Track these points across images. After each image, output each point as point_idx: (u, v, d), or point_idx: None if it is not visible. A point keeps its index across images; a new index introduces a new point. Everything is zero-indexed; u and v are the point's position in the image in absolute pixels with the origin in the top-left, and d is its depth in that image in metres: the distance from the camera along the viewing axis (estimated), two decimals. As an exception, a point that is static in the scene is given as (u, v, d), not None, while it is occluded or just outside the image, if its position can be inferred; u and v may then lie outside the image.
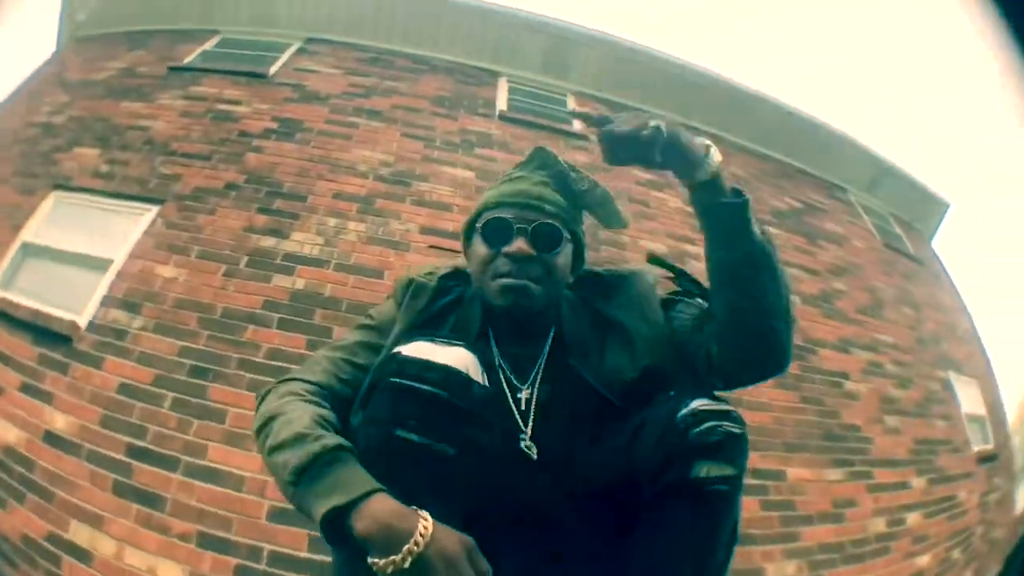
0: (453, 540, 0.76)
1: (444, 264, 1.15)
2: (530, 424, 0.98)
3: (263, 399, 0.98)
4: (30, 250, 3.63)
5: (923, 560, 3.60)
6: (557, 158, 1.07)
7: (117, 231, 3.43)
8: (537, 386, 1.01)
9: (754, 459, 2.98)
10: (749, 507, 3.04)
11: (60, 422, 2.80)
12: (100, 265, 3.30)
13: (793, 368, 3.71)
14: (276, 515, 2.49)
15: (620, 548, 0.91)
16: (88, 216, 3.63)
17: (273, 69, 4.52)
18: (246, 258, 3.12)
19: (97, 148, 3.94)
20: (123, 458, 2.66)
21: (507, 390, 1.00)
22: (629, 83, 5.24)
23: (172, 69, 4.49)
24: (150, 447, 2.67)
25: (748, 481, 2.91)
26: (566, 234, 1.02)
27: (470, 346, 0.92)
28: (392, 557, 0.74)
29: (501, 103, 4.81)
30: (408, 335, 0.98)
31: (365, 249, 3.26)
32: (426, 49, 4.97)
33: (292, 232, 3.28)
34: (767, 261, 0.91)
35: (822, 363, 4.01)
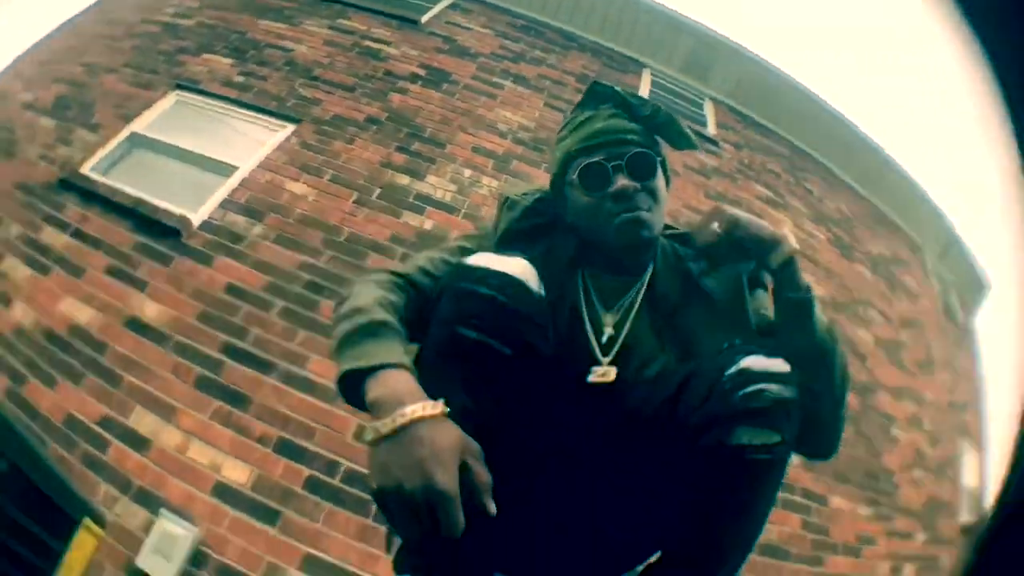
0: (451, 433, 0.82)
1: (536, 190, 1.25)
2: (614, 350, 1.10)
3: (351, 284, 1.12)
4: (140, 141, 4.05)
5: None
6: (615, 88, 1.17)
7: (245, 141, 3.86)
8: (622, 315, 1.14)
9: (807, 479, 3.37)
10: (791, 523, 3.41)
11: (151, 311, 3.12)
12: (222, 170, 3.70)
13: (856, 403, 4.26)
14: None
15: (652, 496, 1.00)
16: (213, 121, 4.06)
17: (425, 17, 5.04)
18: (379, 190, 3.53)
19: (231, 58, 4.41)
20: (215, 354, 2.97)
21: (585, 315, 1.13)
22: (762, 102, 5.93)
23: (322, -1, 4.99)
24: (248, 348, 2.99)
25: (796, 499, 3.26)
26: (656, 157, 1.14)
27: (531, 258, 1.04)
28: (377, 423, 0.82)
29: (643, 93, 5.31)
30: (490, 245, 1.14)
31: (494, 204, 3.63)
32: (576, 27, 5.58)
33: (428, 175, 3.71)
34: (825, 359, 1.01)
35: (879, 405, 4.49)
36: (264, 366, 2.96)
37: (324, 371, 2.93)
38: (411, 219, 3.48)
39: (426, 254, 1.17)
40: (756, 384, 0.92)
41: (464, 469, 0.81)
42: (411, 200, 3.58)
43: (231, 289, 3.18)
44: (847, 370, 1.05)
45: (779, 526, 3.35)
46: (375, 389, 0.86)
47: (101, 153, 3.99)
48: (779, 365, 0.95)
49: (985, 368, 6.87)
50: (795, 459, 3.58)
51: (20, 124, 4.44)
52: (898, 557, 4.07)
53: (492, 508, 0.82)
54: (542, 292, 1.03)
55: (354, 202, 3.52)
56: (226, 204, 3.52)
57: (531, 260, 1.05)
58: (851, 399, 4.22)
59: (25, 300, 3.24)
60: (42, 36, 5.42)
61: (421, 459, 0.78)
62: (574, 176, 1.13)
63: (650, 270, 1.17)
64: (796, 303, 1.01)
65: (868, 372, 4.52)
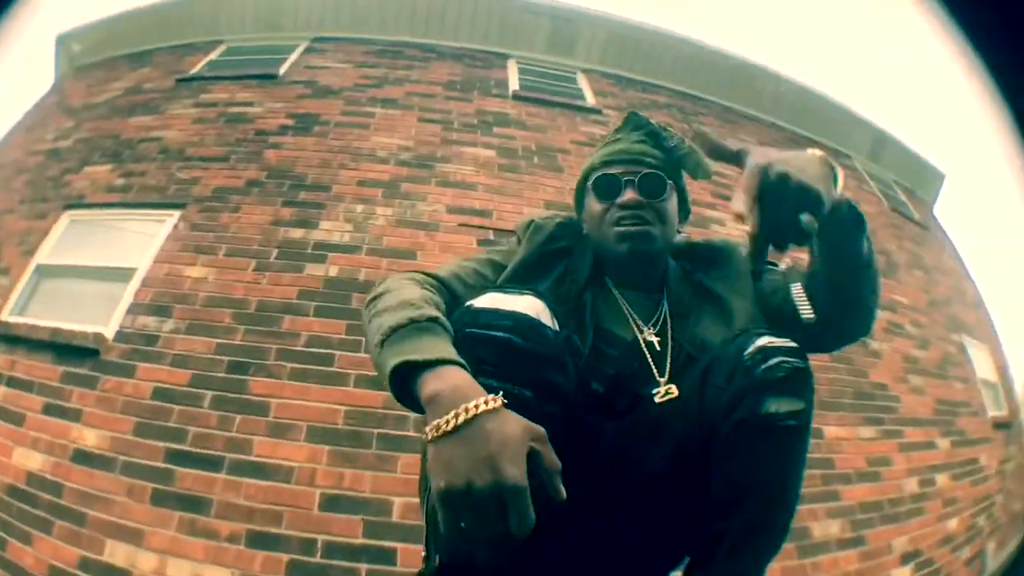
0: (517, 424, 0.79)
1: (561, 215, 1.32)
2: (667, 368, 1.14)
3: (383, 281, 1.11)
4: (45, 271, 4.03)
5: (952, 524, 3.92)
6: (648, 120, 1.29)
7: (138, 240, 3.81)
8: (660, 327, 1.19)
9: None
10: None
11: (91, 438, 3.07)
12: (123, 275, 3.67)
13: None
14: (329, 503, 2.72)
15: (691, 484, 1.03)
16: (105, 231, 4.03)
17: (283, 69, 5.04)
18: (276, 251, 3.48)
19: (109, 164, 4.39)
20: (162, 465, 2.91)
21: (636, 330, 1.18)
22: (634, 59, 5.97)
23: (180, 81, 5.00)
24: (191, 449, 2.93)
25: None
26: (669, 182, 1.23)
27: (539, 294, 1.02)
28: (438, 420, 0.78)
29: (513, 83, 5.37)
30: (508, 279, 1.18)
31: (395, 232, 3.64)
32: (432, 37, 5.63)
33: (320, 221, 3.67)
34: (872, 259, 1.06)
35: None
36: (211, 463, 2.91)
37: (271, 451, 2.91)
38: (315, 270, 3.43)
39: (457, 261, 1.22)
40: (776, 357, 1.00)
41: (532, 456, 0.78)
42: (310, 251, 3.54)
43: (157, 393, 3.14)
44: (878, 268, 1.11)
45: (777, 473, 3.32)
46: (433, 383, 0.83)
47: (15, 295, 3.97)
48: (788, 341, 1.03)
49: (966, 255, 7.11)
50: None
51: (-65, 288, 4.42)
52: (923, 470, 4.00)
53: (563, 493, 0.78)
54: (556, 327, 1.02)
55: (254, 270, 3.48)
56: (133, 309, 3.48)
57: (543, 291, 1.07)
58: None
59: (-18, 460, 3.18)
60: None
61: (490, 454, 0.75)
62: (590, 184, 1.27)
63: (666, 290, 1.25)
64: (852, 220, 1.01)
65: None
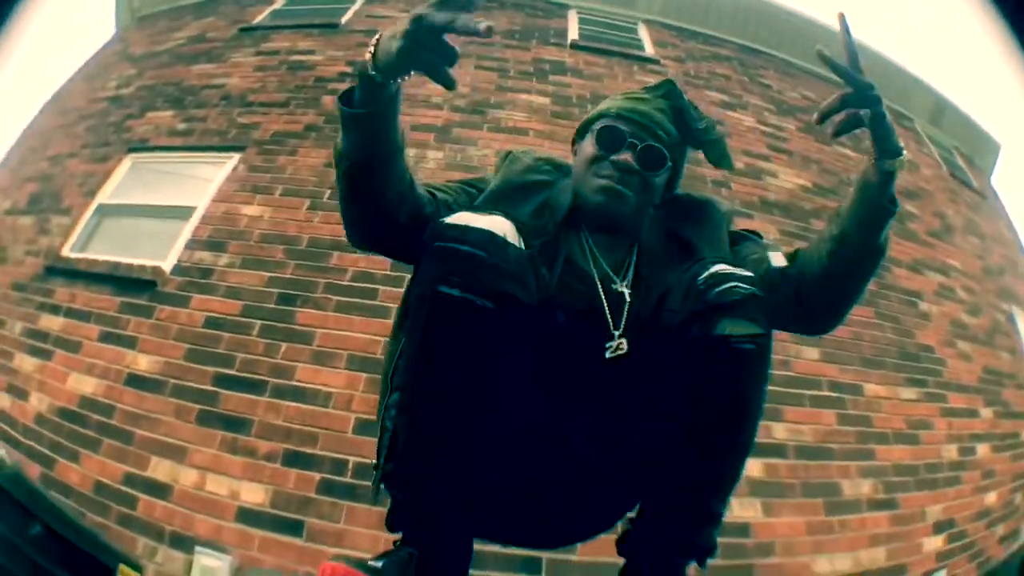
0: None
1: (541, 152, 1.34)
2: (623, 321, 1.14)
3: None
4: (107, 210, 4.21)
5: (990, 498, 3.82)
6: (682, 94, 1.27)
7: (198, 181, 3.97)
8: (624, 270, 1.20)
9: (833, 372, 3.27)
10: (826, 419, 3.33)
11: (143, 363, 3.24)
12: (183, 213, 3.83)
13: (872, 284, 4.05)
14: (362, 427, 2.83)
15: (643, 428, 1.08)
16: (167, 172, 4.20)
17: (344, 18, 5.13)
18: (328, 191, 3.56)
19: (171, 110, 4.56)
20: (209, 387, 3.07)
21: (596, 278, 1.18)
22: (695, 11, 5.93)
23: (243, 30, 5.15)
24: (237, 374, 3.08)
25: (823, 394, 3.06)
26: (669, 161, 1.21)
27: (509, 216, 1.08)
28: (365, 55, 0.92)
29: (573, 33, 5.39)
30: (480, 204, 1.19)
31: (445, 175, 3.60)
32: None
33: (373, 163, 3.73)
34: (875, 261, 1.11)
35: (897, 281, 4.35)
36: (255, 387, 3.04)
37: (311, 377, 3.03)
38: (365, 208, 3.48)
39: (442, 182, 1.26)
40: (728, 282, 1.02)
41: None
42: (362, 192, 3.59)
43: (210, 322, 3.28)
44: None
45: (811, 425, 3.28)
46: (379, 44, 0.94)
47: (76, 233, 4.14)
48: (744, 271, 1.06)
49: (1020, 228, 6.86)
50: (814, 353, 3.41)
51: (4, 230, 4.64)
52: (964, 438, 3.91)
53: (484, 25, 0.85)
54: (522, 247, 1.07)
55: (308, 208, 3.60)
56: (191, 244, 3.63)
57: (515, 215, 1.11)
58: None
59: (38, 388, 3.40)
60: (10, 146, 5.69)
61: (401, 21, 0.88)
62: (597, 126, 1.23)
63: (636, 247, 1.25)
64: (887, 212, 1.06)
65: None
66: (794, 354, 3.42)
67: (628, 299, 1.15)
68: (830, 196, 4.48)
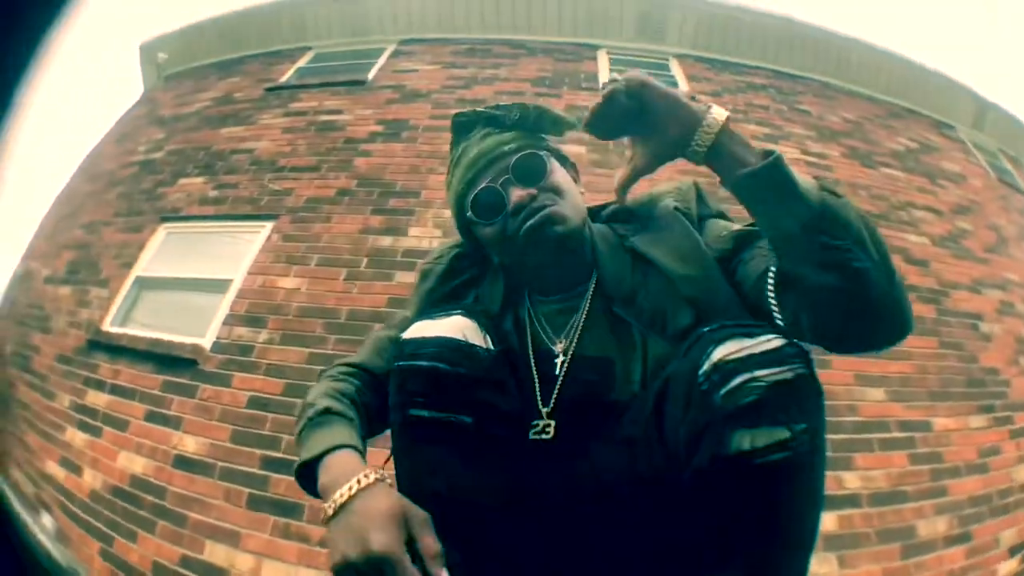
0: (385, 498, 0.80)
1: (457, 244, 1.19)
2: (553, 396, 1.01)
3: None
4: (145, 283, 4.23)
5: None
6: (473, 110, 1.13)
7: (233, 252, 3.96)
8: (576, 339, 1.04)
9: (899, 410, 3.07)
10: (897, 462, 3.19)
11: (190, 444, 3.22)
12: (219, 287, 3.81)
13: (930, 312, 4.05)
14: None
15: (661, 532, 0.87)
16: (201, 242, 4.20)
17: (371, 75, 5.15)
18: (366, 259, 3.54)
19: (202, 176, 4.58)
20: (257, 471, 3.03)
21: (531, 352, 1.06)
22: (726, 41, 5.80)
23: (269, 90, 5.18)
24: (284, 456, 3.03)
25: (892, 436, 2.94)
26: (541, 153, 1.07)
27: (469, 312, 0.98)
28: (324, 507, 0.82)
29: (604, 75, 5.29)
30: (415, 317, 1.06)
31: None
32: (520, 33, 5.59)
33: (409, 228, 3.70)
34: (837, 219, 0.78)
35: (957, 306, 4.18)
36: (304, 471, 2.98)
37: (362, 457, 2.95)
38: (405, 277, 3.45)
39: (374, 335, 1.17)
40: (737, 377, 0.77)
41: (411, 541, 0.79)
42: (399, 259, 3.57)
43: (253, 402, 3.25)
44: (873, 228, 0.81)
45: (883, 470, 3.15)
46: (321, 477, 0.86)
47: (115, 306, 4.18)
48: (761, 342, 0.79)
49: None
50: (879, 394, 3.30)
51: (47, 299, 4.75)
52: None
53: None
54: (489, 344, 0.97)
55: (345, 279, 3.55)
56: (229, 320, 3.61)
57: (472, 308, 1.02)
58: (922, 308, 3.91)
59: (91, 465, 3.44)
60: (44, 212, 5.79)
61: (358, 528, 0.78)
62: (470, 213, 1.07)
63: (595, 277, 1.08)
64: (758, 176, 0.80)
65: (934, 276, 4.24)
66: (859, 396, 3.29)
67: (559, 371, 1.02)
68: (882, 222, 4.33)
